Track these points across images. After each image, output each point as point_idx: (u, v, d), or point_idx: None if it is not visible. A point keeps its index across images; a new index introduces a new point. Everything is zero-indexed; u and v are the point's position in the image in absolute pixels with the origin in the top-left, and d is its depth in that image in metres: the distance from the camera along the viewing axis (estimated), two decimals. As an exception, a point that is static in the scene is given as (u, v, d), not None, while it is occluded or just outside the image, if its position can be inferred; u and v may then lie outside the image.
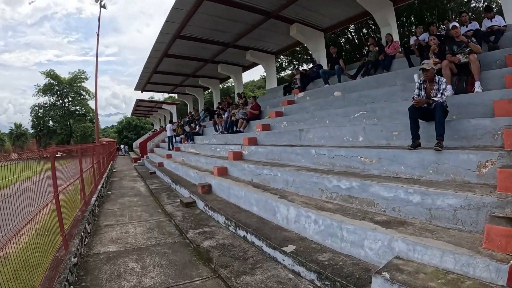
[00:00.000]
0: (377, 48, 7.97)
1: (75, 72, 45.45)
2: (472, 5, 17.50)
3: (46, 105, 44.53)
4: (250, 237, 4.18)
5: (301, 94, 8.96)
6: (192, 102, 24.10)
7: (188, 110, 22.95)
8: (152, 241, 4.59)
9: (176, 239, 4.63)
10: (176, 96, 41.48)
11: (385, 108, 5.34)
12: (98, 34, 18.79)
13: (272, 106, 10.08)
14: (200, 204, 6.25)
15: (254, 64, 15.39)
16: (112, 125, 64.43)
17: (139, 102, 27.52)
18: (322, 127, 6.15)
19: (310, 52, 11.11)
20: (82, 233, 4.46)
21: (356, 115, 5.85)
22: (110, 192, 9.35)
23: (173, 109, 26.48)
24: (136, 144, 34.21)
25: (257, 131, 8.01)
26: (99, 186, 8.70)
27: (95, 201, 6.72)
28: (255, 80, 41.66)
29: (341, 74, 8.36)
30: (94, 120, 47.78)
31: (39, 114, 44.44)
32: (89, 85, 49.26)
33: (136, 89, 20.67)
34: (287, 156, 5.93)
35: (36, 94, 44.19)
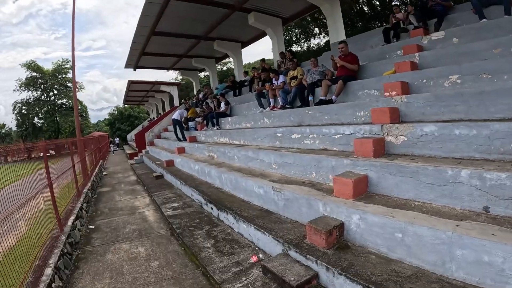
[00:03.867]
0: None
1: (58, 62, 40.27)
2: None
3: (30, 101, 39.80)
4: None
5: (437, 35, 4.98)
6: (199, 81, 19.44)
7: (195, 90, 18.30)
8: None
9: None
10: (175, 76, 36.61)
11: None
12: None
13: (366, 60, 5.82)
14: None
15: (300, 14, 10.67)
16: (105, 119, 59.06)
17: (132, 84, 22.43)
18: None
19: None
20: None
21: None
22: (93, 226, 5.06)
23: (174, 90, 21.63)
24: (131, 136, 29.65)
25: (393, 95, 3.69)
26: (72, 219, 4.44)
27: (51, 279, 2.48)
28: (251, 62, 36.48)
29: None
30: (83, 113, 43.18)
31: (23, 111, 39.81)
32: (77, 77, 44.03)
33: (127, 66, 15.98)
34: None
35: (18, 89, 39.39)
